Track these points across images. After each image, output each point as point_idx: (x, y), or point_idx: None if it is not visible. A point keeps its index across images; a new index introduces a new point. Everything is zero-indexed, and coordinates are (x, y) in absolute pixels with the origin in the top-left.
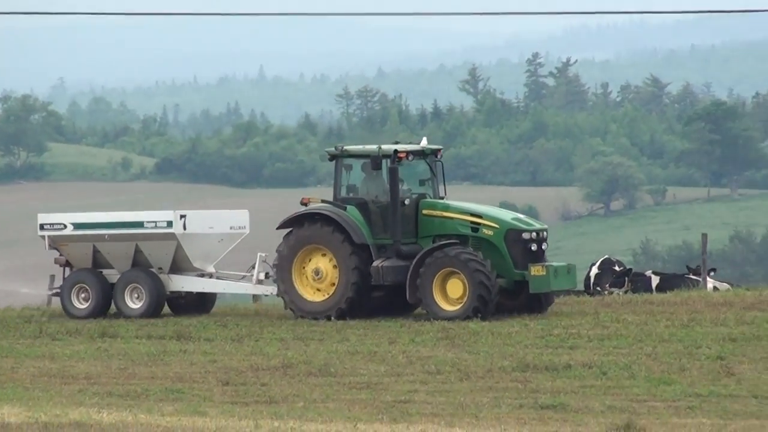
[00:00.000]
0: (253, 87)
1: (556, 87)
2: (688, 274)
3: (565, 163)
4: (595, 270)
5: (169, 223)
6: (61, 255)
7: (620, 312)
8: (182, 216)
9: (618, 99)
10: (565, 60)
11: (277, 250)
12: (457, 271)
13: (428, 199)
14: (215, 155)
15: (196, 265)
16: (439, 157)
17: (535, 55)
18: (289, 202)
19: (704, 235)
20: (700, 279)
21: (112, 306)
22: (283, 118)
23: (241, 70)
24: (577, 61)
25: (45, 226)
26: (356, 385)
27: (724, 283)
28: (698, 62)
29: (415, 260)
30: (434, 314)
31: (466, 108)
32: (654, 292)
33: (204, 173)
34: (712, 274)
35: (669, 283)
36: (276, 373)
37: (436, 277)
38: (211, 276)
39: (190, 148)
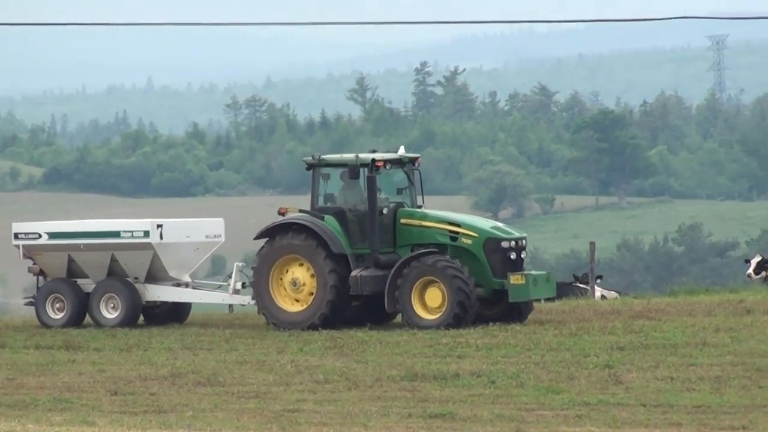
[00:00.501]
0: (141, 97)
1: (444, 96)
2: (575, 283)
3: (454, 171)
4: None
5: (146, 233)
6: (35, 264)
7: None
8: (159, 225)
9: (506, 108)
10: (453, 69)
11: (252, 267)
12: (435, 280)
13: (406, 208)
14: (104, 165)
15: (172, 274)
16: (416, 165)
17: (423, 64)
18: (178, 211)
19: (592, 244)
20: (588, 287)
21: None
22: (171, 127)
23: (129, 80)
24: (465, 69)
25: (19, 236)
26: (245, 395)
27: (612, 292)
28: (586, 71)
29: (393, 269)
30: (413, 323)
31: (354, 117)
32: (542, 301)
33: (93, 183)
34: (599, 281)
35: (557, 291)
36: (164, 382)
37: (414, 287)
38: (187, 285)
39: (78, 157)
